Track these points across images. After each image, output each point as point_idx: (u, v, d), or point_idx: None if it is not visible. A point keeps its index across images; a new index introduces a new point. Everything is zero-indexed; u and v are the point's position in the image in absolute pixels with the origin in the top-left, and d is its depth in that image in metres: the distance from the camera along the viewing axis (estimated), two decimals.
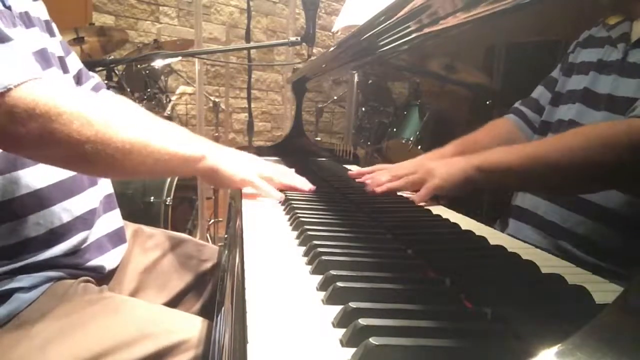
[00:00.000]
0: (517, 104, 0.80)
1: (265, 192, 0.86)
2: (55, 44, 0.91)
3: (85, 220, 0.81)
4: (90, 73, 1.05)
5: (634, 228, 0.56)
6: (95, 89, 1.03)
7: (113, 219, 0.90)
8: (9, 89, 0.60)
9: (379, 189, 0.90)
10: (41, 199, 0.75)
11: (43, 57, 0.82)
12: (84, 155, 0.66)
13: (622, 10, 0.64)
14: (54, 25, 0.94)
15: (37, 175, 0.75)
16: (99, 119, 0.65)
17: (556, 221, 0.67)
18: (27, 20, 0.82)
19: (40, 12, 0.89)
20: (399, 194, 0.97)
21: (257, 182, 0.85)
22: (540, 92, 0.77)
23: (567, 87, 0.72)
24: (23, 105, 0.60)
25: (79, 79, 1.00)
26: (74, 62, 0.99)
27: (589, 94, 0.66)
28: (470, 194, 0.80)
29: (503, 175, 0.71)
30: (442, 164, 0.80)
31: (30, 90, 0.61)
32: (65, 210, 0.78)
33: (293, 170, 1.04)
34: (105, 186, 0.91)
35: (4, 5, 0.76)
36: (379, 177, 0.94)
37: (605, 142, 0.57)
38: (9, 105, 0.60)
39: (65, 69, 0.91)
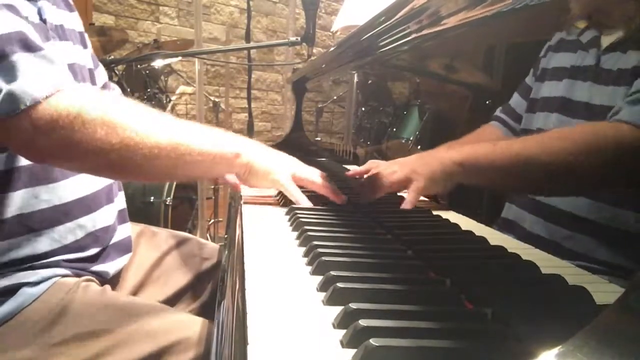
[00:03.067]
0: (497, 111, 0.81)
1: (295, 198, 0.80)
2: (87, 56, 0.92)
3: (98, 237, 0.82)
4: (112, 84, 1.07)
5: (621, 240, 0.56)
6: None
7: (124, 231, 0.91)
8: (37, 102, 0.60)
9: (369, 200, 0.85)
10: (59, 215, 0.75)
11: (73, 70, 0.83)
12: (112, 163, 0.65)
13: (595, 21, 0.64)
14: (86, 36, 0.96)
15: (60, 191, 0.76)
16: (124, 126, 0.64)
17: (541, 234, 0.67)
18: (61, 33, 0.83)
19: (76, 24, 0.91)
20: (398, 194, 0.97)
21: (288, 186, 0.80)
22: (515, 100, 0.78)
23: (541, 93, 0.72)
24: (47, 117, 0.61)
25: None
26: (102, 75, 1.02)
27: (566, 103, 0.66)
28: (455, 189, 0.78)
29: (485, 171, 0.70)
30: (423, 163, 0.77)
31: (55, 102, 0.61)
32: (80, 227, 0.78)
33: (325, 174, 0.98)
34: (120, 201, 0.92)
35: (40, 18, 0.77)
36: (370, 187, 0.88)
37: (589, 145, 0.57)
38: (34, 118, 0.60)
39: (93, 81, 0.93)
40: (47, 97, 0.61)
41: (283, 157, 0.86)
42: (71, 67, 0.83)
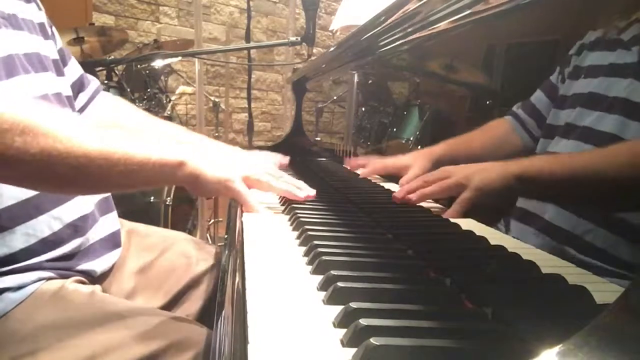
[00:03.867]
0: (514, 107, 0.80)
1: (249, 206, 0.77)
2: (49, 47, 0.89)
3: (77, 227, 0.79)
4: (90, 77, 1.04)
5: None
6: (95, 92, 1.03)
7: (109, 223, 0.89)
8: None
9: (413, 197, 0.83)
10: (29, 209, 0.72)
11: (31, 60, 0.80)
12: (32, 174, 0.60)
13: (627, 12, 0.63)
14: (54, 30, 0.93)
15: None
16: (48, 134, 0.58)
17: (564, 227, 0.66)
18: (14, 22, 0.80)
19: (34, 15, 0.88)
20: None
21: (242, 191, 0.76)
22: (537, 97, 0.77)
23: (573, 89, 0.71)
24: None
25: (80, 85, 0.99)
26: (74, 69, 0.99)
27: (597, 98, 0.65)
28: (503, 203, 0.75)
29: (544, 185, 0.67)
30: (478, 171, 0.75)
31: None
32: (55, 219, 0.75)
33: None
34: None
35: None
36: (409, 185, 0.86)
37: None
38: None
39: (59, 73, 0.90)
40: None
41: (233, 159, 0.82)
42: (29, 56, 0.80)
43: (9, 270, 0.70)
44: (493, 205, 0.76)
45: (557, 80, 0.74)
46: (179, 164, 0.69)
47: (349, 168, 1.13)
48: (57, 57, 0.91)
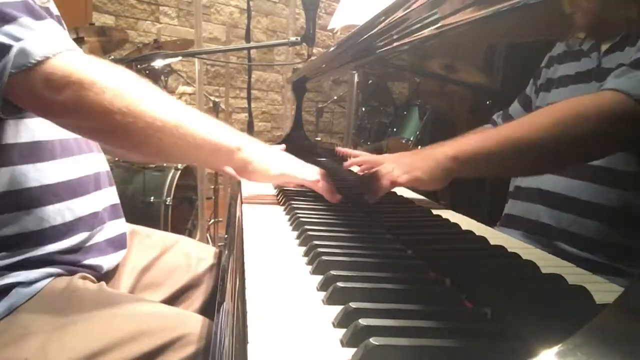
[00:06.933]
0: (494, 117, 0.81)
1: (307, 181, 0.85)
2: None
3: (86, 222, 0.82)
4: None
5: (628, 222, 0.57)
6: None
7: (117, 226, 0.91)
8: (47, 58, 0.64)
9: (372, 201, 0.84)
10: (47, 195, 0.76)
11: None
12: (115, 125, 0.67)
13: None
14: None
15: (48, 171, 0.76)
16: (133, 92, 0.67)
17: (550, 223, 0.67)
18: (48, 15, 0.83)
19: (55, 9, 0.92)
20: (399, 194, 0.97)
21: (293, 172, 0.84)
22: (514, 108, 0.79)
23: (547, 101, 0.72)
24: (60, 72, 0.64)
25: None
26: None
27: None
28: (455, 188, 0.78)
29: (480, 162, 0.70)
30: (418, 158, 0.78)
31: (67, 60, 0.65)
32: (68, 209, 0.78)
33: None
34: (111, 195, 0.92)
35: None
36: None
37: (576, 115, 0.59)
38: (46, 72, 0.64)
39: None
40: (57, 55, 0.64)
41: (282, 154, 0.89)
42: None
43: (19, 263, 0.72)
44: (440, 187, 0.78)
45: (532, 91, 0.75)
46: (237, 149, 0.78)
47: (340, 154, 1.15)
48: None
